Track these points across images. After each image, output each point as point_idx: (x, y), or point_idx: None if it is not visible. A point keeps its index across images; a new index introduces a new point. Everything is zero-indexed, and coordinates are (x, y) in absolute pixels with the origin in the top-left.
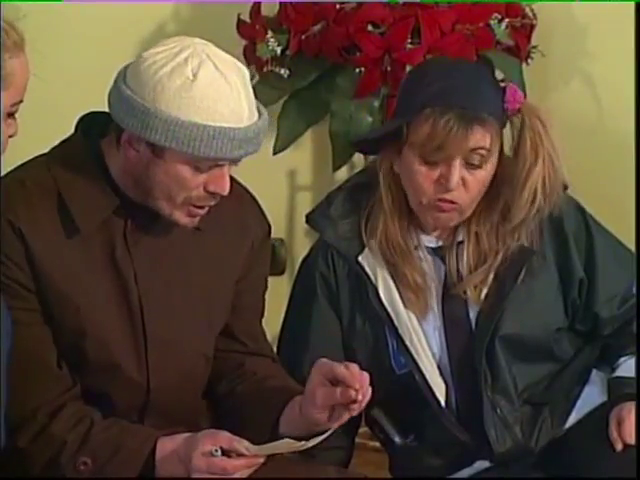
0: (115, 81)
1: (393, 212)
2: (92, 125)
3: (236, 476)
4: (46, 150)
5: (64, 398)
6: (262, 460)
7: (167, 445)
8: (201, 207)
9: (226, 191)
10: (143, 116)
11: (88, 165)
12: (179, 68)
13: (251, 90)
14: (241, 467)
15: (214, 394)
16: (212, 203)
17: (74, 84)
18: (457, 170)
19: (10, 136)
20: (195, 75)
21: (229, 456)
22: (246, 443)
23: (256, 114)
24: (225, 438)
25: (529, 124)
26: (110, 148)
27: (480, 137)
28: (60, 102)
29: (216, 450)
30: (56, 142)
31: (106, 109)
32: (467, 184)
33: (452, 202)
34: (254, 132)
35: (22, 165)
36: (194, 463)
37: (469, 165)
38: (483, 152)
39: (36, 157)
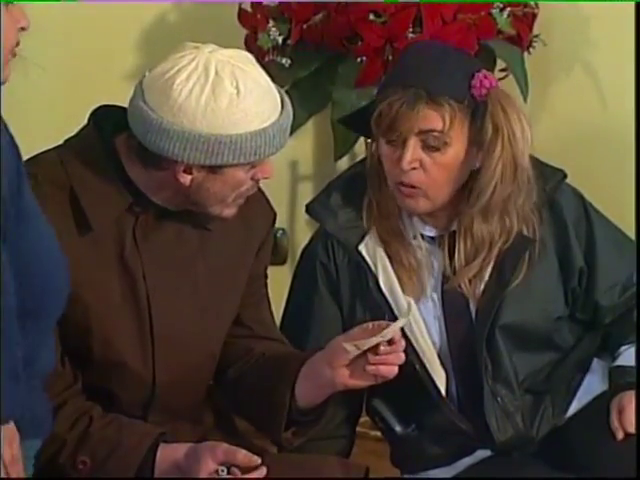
0: (148, 117)
1: (380, 197)
2: (105, 120)
3: None
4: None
5: (65, 396)
6: (264, 473)
7: (168, 455)
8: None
9: (272, 173)
10: (205, 146)
11: (102, 162)
12: (219, 87)
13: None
14: None
15: (225, 380)
16: (256, 189)
17: (77, 79)
18: (410, 150)
19: None
20: (237, 88)
21: (234, 473)
22: (243, 451)
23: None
24: (223, 451)
25: (491, 110)
26: (127, 150)
27: (432, 119)
28: (63, 98)
29: (222, 470)
30: (56, 138)
31: (115, 102)
32: (425, 167)
33: (412, 187)
34: (289, 113)
35: (33, 158)
36: None
37: (427, 147)
38: (436, 134)
39: (48, 150)
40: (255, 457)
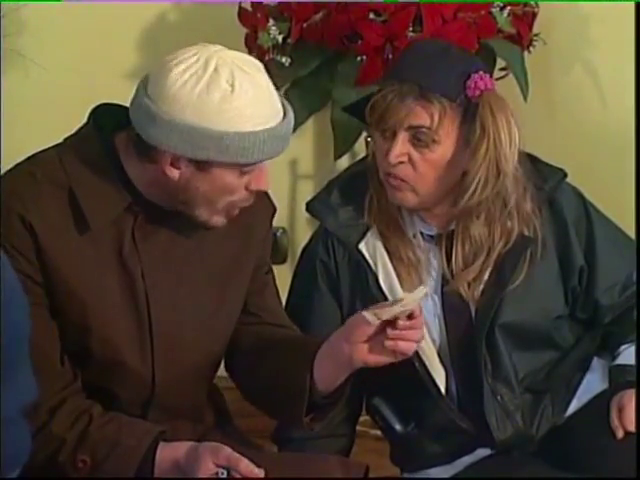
0: (140, 102)
1: (381, 194)
2: (105, 118)
3: None
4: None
5: (64, 394)
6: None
7: (167, 453)
8: (236, 208)
9: (267, 186)
10: (191, 138)
11: (101, 161)
12: (214, 82)
13: (271, 82)
14: None
15: (238, 368)
16: (251, 202)
17: (77, 78)
18: (398, 144)
19: None
20: (232, 85)
21: (234, 476)
22: (246, 461)
23: (282, 104)
24: (225, 456)
25: (480, 112)
26: (126, 148)
27: (420, 115)
28: (63, 97)
29: (222, 473)
30: (56, 137)
31: (115, 100)
32: (414, 162)
33: (401, 180)
34: (290, 123)
35: (32, 157)
36: None
37: (417, 143)
38: (424, 130)
39: (48, 149)
40: (257, 469)
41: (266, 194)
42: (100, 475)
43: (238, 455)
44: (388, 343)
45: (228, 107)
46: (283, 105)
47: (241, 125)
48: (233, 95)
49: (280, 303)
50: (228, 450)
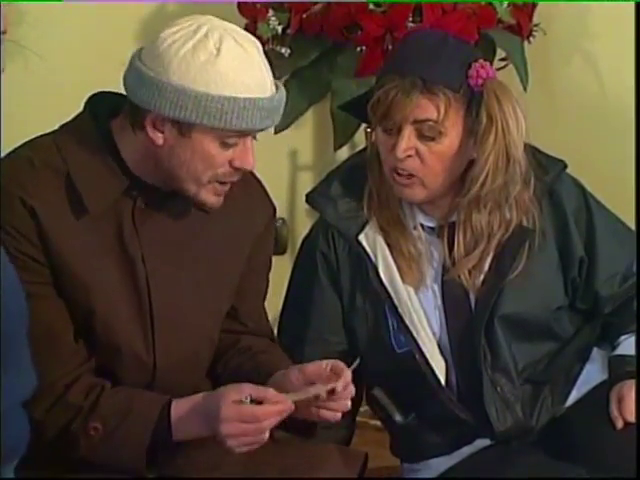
0: (131, 64)
1: (381, 187)
2: (101, 105)
3: (266, 424)
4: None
5: (80, 371)
6: (292, 407)
7: (183, 405)
8: (225, 183)
9: (252, 165)
10: (171, 95)
11: (98, 146)
12: (201, 44)
13: (266, 61)
14: (272, 413)
15: (213, 375)
16: (236, 179)
17: (75, 68)
18: (405, 139)
19: None
20: (218, 49)
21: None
22: (272, 390)
23: (274, 85)
24: (249, 387)
25: (486, 100)
26: (121, 130)
27: (426, 108)
28: (61, 87)
29: (246, 398)
30: (54, 127)
31: (112, 90)
32: (421, 155)
33: (409, 176)
34: (278, 101)
35: (29, 142)
36: (224, 412)
37: (423, 136)
38: (431, 124)
39: (43, 135)
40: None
41: (266, 193)
42: (116, 442)
43: (262, 387)
44: (312, 410)
45: (210, 69)
46: (276, 85)
47: (222, 89)
48: (217, 59)
49: (264, 307)
50: (250, 384)
